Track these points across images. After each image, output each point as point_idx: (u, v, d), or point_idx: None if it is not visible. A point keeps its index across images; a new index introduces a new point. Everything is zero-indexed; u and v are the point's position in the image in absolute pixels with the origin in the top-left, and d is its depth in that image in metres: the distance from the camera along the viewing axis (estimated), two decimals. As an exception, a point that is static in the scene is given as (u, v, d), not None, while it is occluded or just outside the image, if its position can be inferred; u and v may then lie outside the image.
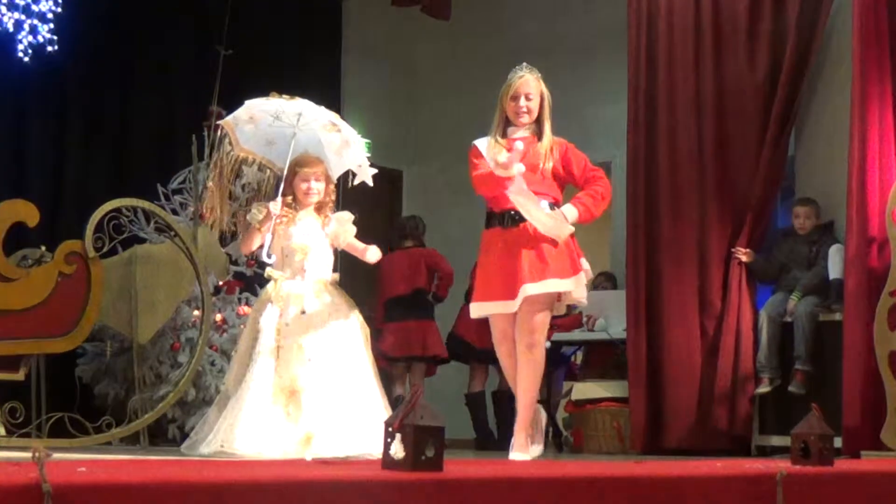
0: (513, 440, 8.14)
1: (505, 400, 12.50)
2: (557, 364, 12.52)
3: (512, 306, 7.94)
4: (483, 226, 8.17)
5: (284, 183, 8.17)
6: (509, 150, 7.91)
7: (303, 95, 12.22)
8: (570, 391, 12.03)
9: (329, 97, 12.92)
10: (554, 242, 7.91)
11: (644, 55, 11.51)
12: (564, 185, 8.26)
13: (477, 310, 8.15)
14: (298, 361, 7.85)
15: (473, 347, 12.34)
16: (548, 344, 9.21)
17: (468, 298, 9.44)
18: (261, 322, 7.92)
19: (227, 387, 8.01)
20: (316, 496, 2.83)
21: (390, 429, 3.46)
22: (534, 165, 7.99)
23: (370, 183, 8.52)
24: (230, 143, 8.34)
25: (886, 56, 10.05)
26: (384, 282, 12.46)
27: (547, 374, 10.59)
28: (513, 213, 7.94)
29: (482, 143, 8.18)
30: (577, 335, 12.28)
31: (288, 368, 7.82)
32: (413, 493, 3.10)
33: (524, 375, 8.04)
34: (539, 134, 8.10)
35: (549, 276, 7.92)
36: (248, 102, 8.33)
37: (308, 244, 8.18)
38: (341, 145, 8.48)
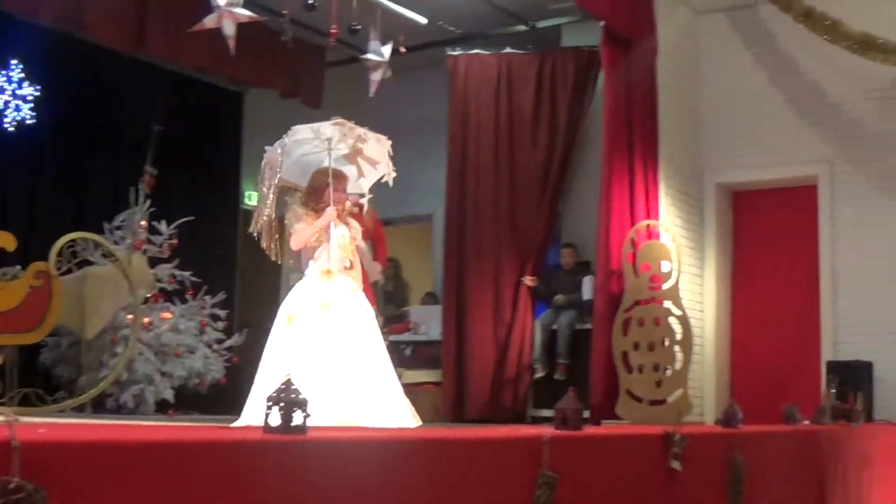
0: None
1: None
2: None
3: None
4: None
5: (315, 193, 7.15)
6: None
7: (214, 167, 12.05)
8: (401, 376, 12.01)
9: (232, 167, 12.84)
10: None
11: (459, 137, 11.61)
12: None
13: None
14: None
15: None
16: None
17: None
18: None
19: None
20: (204, 456, 2.80)
21: (270, 402, 3.43)
22: None
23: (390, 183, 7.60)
24: (269, 178, 7.27)
25: (625, 146, 10.23)
26: None
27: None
28: None
29: None
30: (407, 336, 12.30)
31: None
32: (284, 452, 3.08)
33: None
34: None
35: None
36: (292, 129, 7.40)
37: (347, 244, 7.20)
38: (357, 175, 7.55)
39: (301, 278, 7.18)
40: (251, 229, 7.29)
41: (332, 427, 6.31)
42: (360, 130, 7.41)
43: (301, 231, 7.08)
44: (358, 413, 6.55)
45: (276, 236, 7.29)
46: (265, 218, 7.15)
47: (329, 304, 6.93)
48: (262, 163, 7.25)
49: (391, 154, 7.46)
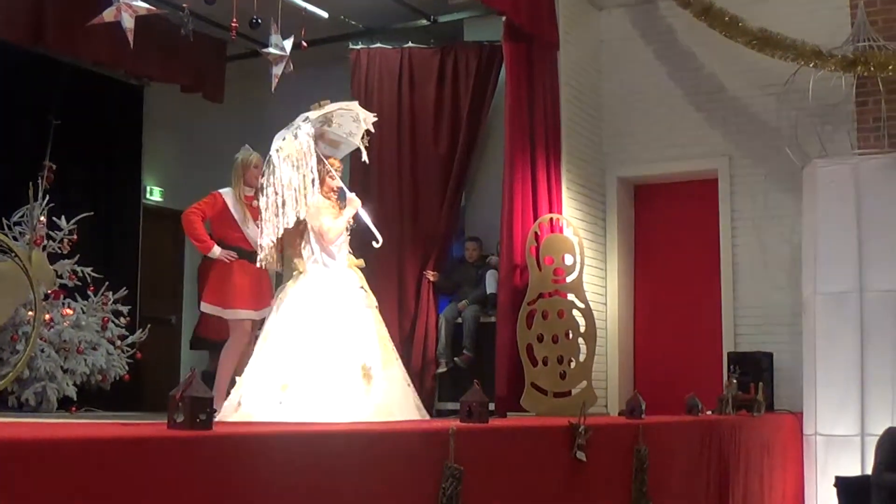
0: None
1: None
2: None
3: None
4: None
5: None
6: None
7: (114, 162, 11.82)
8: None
9: (133, 162, 12.67)
10: None
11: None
12: None
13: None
14: None
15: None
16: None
17: None
18: None
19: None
20: (109, 453, 2.77)
21: (175, 399, 3.40)
22: None
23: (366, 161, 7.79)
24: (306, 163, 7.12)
25: (528, 141, 10.28)
26: None
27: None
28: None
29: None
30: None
31: None
32: (190, 447, 3.07)
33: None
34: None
35: None
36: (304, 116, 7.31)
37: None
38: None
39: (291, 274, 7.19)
40: (277, 234, 7.07)
41: (241, 423, 6.29)
42: (347, 109, 7.52)
43: (337, 223, 7.13)
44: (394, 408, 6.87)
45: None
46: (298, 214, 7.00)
47: (373, 301, 7.07)
48: (280, 155, 7.01)
49: (371, 130, 7.48)
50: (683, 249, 11.83)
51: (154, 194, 13.21)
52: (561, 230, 10.33)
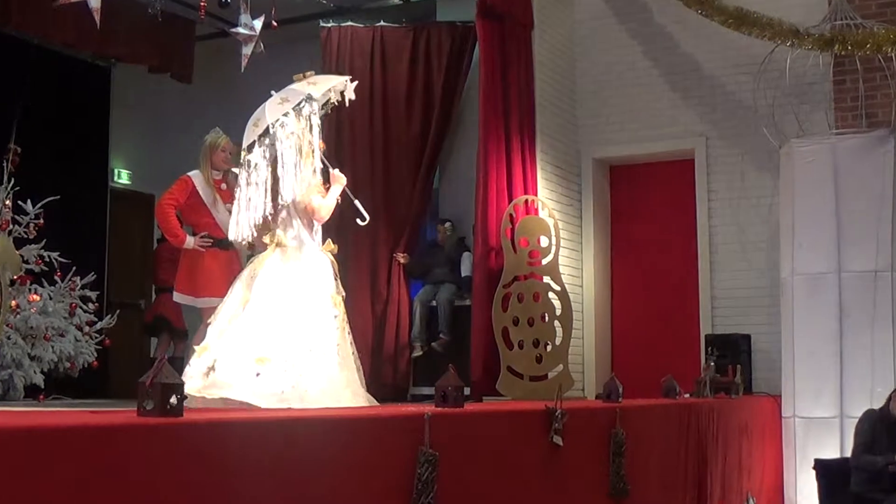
0: None
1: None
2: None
3: None
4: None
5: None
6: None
7: (80, 140, 11.73)
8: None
9: (100, 144, 12.58)
10: None
11: (333, 111, 11.45)
12: None
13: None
14: None
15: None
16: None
17: None
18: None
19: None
20: (79, 441, 2.75)
21: (145, 386, 3.37)
22: None
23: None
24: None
25: (502, 122, 10.27)
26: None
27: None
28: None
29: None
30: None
31: None
32: (161, 434, 3.04)
33: None
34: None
35: None
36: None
37: None
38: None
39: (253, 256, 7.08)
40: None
41: (213, 409, 6.25)
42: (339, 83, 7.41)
43: (327, 201, 7.12)
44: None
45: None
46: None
47: (342, 292, 7.05)
48: (285, 131, 6.92)
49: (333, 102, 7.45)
50: (660, 231, 11.85)
51: (122, 177, 13.14)
52: (536, 212, 10.33)
